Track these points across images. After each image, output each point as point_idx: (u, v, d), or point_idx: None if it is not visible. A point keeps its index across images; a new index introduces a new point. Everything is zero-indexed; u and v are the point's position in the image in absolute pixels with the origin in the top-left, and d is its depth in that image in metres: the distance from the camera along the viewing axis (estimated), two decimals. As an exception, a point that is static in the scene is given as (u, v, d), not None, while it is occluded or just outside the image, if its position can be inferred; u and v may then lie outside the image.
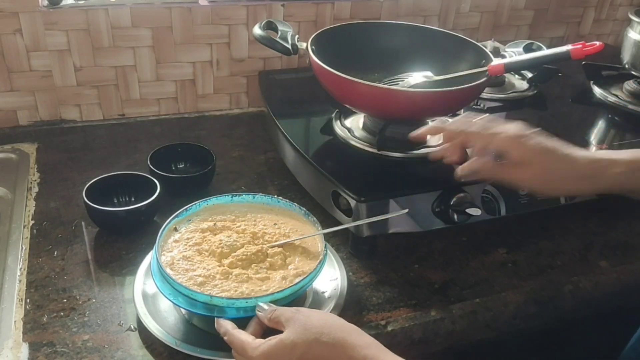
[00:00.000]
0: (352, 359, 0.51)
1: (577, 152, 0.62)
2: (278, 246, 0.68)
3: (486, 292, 0.76)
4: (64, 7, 0.99)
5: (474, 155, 0.63)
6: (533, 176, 0.60)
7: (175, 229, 0.70)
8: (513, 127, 0.61)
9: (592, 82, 1.17)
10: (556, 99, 1.12)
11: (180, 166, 0.95)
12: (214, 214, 0.74)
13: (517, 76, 1.16)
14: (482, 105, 1.03)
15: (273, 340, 0.54)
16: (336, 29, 0.95)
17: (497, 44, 1.10)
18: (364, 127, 0.90)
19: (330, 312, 0.69)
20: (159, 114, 1.13)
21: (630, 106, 1.09)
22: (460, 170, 0.61)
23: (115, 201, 0.85)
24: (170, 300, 0.62)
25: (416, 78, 0.90)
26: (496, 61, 0.85)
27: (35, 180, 0.92)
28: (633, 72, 1.15)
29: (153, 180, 0.83)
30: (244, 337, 0.56)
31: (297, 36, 0.90)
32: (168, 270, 0.63)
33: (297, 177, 0.90)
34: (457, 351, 0.76)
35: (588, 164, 0.60)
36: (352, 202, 0.75)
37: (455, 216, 0.77)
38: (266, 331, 0.58)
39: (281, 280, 0.64)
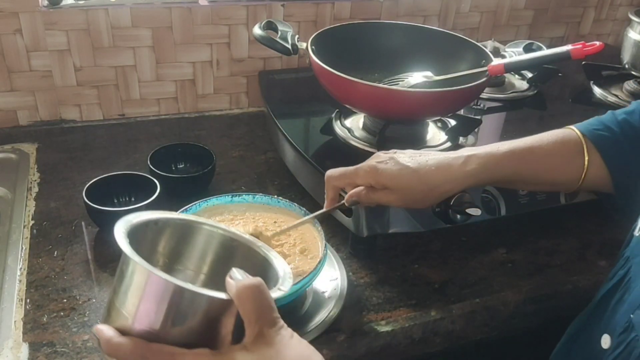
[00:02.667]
0: None
1: (430, 160, 0.65)
2: (275, 235, 0.69)
3: (485, 292, 0.76)
4: (64, 7, 0.99)
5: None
6: (396, 198, 0.64)
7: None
8: (367, 161, 0.66)
9: (592, 82, 1.17)
10: (556, 99, 1.12)
11: (180, 166, 0.95)
12: (213, 214, 0.74)
13: (517, 76, 1.16)
14: (482, 105, 1.03)
15: None
16: (336, 29, 0.95)
17: (497, 44, 1.10)
18: (364, 127, 0.90)
19: (330, 312, 0.69)
20: (159, 114, 1.13)
21: (630, 106, 1.09)
22: (345, 201, 0.67)
23: (115, 201, 0.85)
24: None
25: (416, 78, 0.90)
26: (496, 61, 0.85)
27: (35, 180, 0.92)
28: (633, 72, 1.16)
29: (153, 180, 0.83)
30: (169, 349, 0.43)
31: (297, 36, 0.90)
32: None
33: (297, 177, 0.90)
34: (456, 351, 0.76)
35: (436, 172, 0.64)
36: (352, 202, 0.75)
37: (455, 216, 0.77)
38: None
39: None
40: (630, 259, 0.54)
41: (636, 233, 0.55)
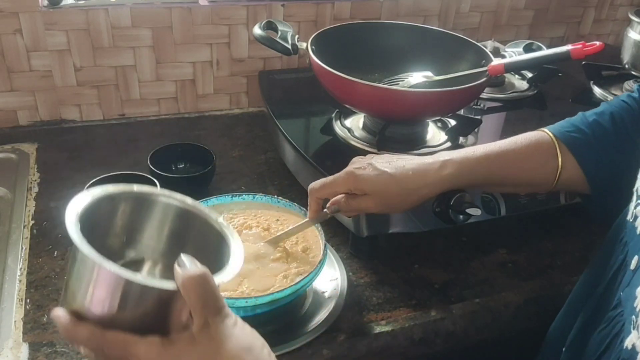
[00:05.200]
0: None
1: (407, 165, 0.66)
2: (278, 238, 0.69)
3: (486, 292, 0.76)
4: (64, 7, 0.99)
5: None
6: (374, 203, 0.65)
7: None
8: (346, 168, 0.67)
9: (592, 82, 1.17)
10: (556, 99, 1.12)
11: (180, 166, 0.95)
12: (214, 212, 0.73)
13: (517, 76, 1.16)
14: (482, 105, 1.03)
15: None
16: (336, 29, 0.95)
17: (497, 44, 1.10)
18: (364, 127, 0.90)
19: (330, 312, 0.69)
20: (159, 114, 1.13)
21: (630, 106, 1.09)
22: (327, 209, 0.69)
23: (115, 201, 0.85)
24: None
25: (416, 78, 0.90)
26: (496, 61, 0.85)
27: (35, 180, 0.92)
28: (633, 72, 1.15)
29: (153, 180, 0.82)
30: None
31: (297, 36, 0.90)
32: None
33: (297, 177, 0.90)
34: (457, 351, 0.76)
35: (412, 176, 0.65)
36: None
37: (456, 216, 0.77)
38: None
39: (282, 279, 0.65)
40: (627, 243, 0.55)
41: (628, 217, 0.56)
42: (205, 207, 0.53)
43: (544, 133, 0.67)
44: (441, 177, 0.65)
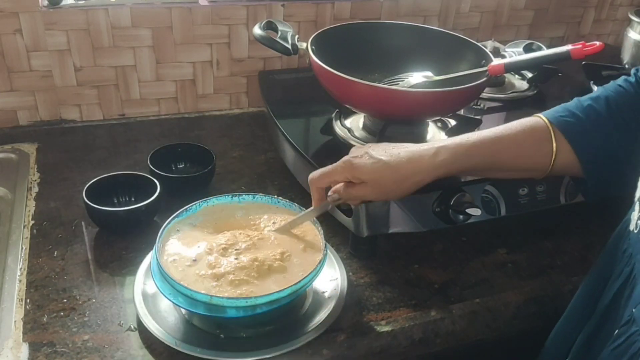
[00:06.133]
0: None
1: (402, 153, 0.67)
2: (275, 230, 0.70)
3: (486, 292, 0.76)
4: (64, 7, 0.99)
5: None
6: (372, 190, 0.67)
7: (177, 230, 0.70)
8: (343, 158, 0.69)
9: (592, 82, 1.17)
10: (556, 99, 1.11)
11: (180, 166, 0.95)
12: (214, 214, 0.74)
13: (517, 76, 1.16)
14: (482, 105, 1.03)
15: None
16: (336, 29, 0.94)
17: (497, 44, 1.10)
18: (364, 127, 0.90)
19: (330, 312, 0.69)
20: (159, 114, 1.13)
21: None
22: (328, 197, 0.70)
23: (115, 201, 0.85)
24: (171, 300, 0.62)
25: (416, 78, 0.90)
26: (496, 61, 0.85)
27: (35, 180, 0.92)
28: (633, 72, 1.15)
29: (153, 180, 0.83)
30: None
31: (297, 36, 0.90)
32: (168, 270, 0.63)
33: (297, 177, 0.90)
34: (457, 351, 0.75)
35: (407, 163, 0.66)
36: (352, 202, 0.75)
37: (456, 216, 0.77)
38: None
39: (282, 279, 0.64)
40: (633, 256, 0.54)
41: (631, 228, 0.56)
42: None
43: (539, 118, 0.68)
44: (435, 164, 0.66)
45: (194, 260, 0.66)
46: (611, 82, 0.69)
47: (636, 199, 0.55)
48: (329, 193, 0.70)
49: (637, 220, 0.54)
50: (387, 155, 0.66)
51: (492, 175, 0.74)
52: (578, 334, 0.63)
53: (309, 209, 0.71)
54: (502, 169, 0.70)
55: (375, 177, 0.66)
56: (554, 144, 0.66)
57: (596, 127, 0.65)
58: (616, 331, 0.53)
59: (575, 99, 0.69)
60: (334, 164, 0.68)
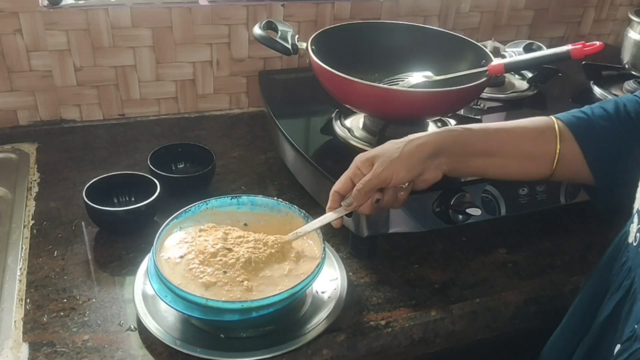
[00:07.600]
0: None
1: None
2: (276, 243, 0.69)
3: (486, 292, 0.76)
4: (64, 7, 0.99)
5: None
6: (380, 163, 0.67)
7: (176, 231, 0.70)
8: (354, 161, 0.69)
9: (592, 82, 1.17)
10: (556, 99, 1.12)
11: (180, 166, 0.95)
12: (213, 215, 0.73)
13: (517, 76, 1.16)
14: (482, 105, 1.03)
15: None
16: (336, 29, 0.94)
17: (497, 44, 1.10)
18: (364, 127, 0.90)
19: (330, 312, 0.69)
20: (159, 114, 1.13)
21: (630, 106, 1.09)
22: (342, 202, 0.69)
23: (115, 201, 0.85)
24: (167, 303, 0.62)
25: (416, 78, 0.90)
26: (496, 61, 0.85)
27: (35, 180, 0.92)
28: (633, 72, 1.15)
29: (153, 180, 0.83)
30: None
31: (297, 36, 0.90)
32: (164, 272, 0.63)
33: (297, 177, 0.90)
34: (457, 351, 0.76)
35: (412, 131, 0.70)
36: (352, 202, 0.75)
37: (456, 216, 0.77)
38: None
39: (282, 280, 0.64)
40: (632, 269, 0.54)
41: (630, 240, 0.55)
42: None
43: (547, 116, 0.70)
44: (438, 130, 0.69)
45: (193, 262, 0.65)
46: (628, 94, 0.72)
47: (635, 210, 0.55)
48: (344, 199, 0.68)
49: (637, 232, 0.54)
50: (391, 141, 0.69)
51: (494, 168, 0.73)
52: (575, 347, 0.62)
53: (325, 215, 0.69)
54: (504, 154, 0.69)
55: (380, 151, 0.68)
56: (557, 130, 0.67)
57: (602, 123, 0.66)
58: (618, 346, 0.53)
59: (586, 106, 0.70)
60: (349, 168, 0.69)
